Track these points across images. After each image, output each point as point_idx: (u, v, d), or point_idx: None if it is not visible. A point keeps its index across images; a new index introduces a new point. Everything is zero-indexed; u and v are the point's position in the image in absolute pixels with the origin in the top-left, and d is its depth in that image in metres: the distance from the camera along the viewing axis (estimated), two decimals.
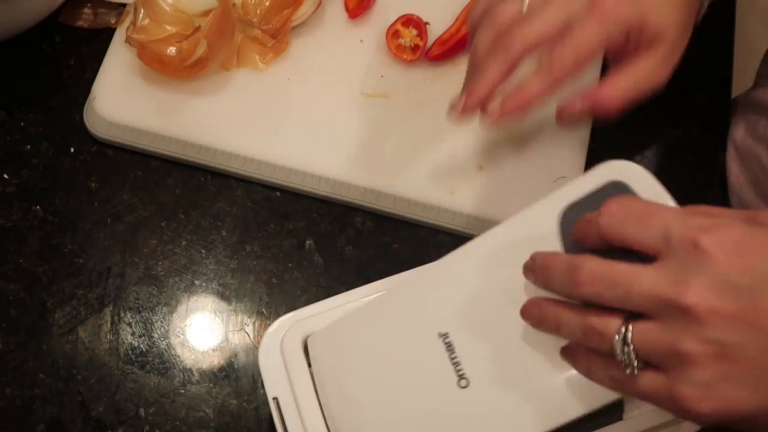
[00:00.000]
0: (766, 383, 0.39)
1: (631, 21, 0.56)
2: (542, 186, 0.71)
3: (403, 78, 0.74)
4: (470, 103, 0.57)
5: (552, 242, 0.46)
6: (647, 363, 0.41)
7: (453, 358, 0.48)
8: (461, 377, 0.48)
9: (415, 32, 0.74)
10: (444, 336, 0.48)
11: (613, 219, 0.42)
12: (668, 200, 0.46)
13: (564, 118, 0.59)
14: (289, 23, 0.72)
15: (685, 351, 0.39)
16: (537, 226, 0.47)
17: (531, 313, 0.45)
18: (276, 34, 0.71)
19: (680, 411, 0.40)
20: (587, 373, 0.44)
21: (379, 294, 0.55)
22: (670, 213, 0.42)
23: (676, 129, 0.75)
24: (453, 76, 0.74)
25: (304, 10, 0.73)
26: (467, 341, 0.48)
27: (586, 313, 0.42)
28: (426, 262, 0.59)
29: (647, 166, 0.71)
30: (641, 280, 0.40)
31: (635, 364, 0.41)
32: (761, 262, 0.39)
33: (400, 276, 0.58)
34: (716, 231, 0.39)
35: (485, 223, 0.70)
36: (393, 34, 0.74)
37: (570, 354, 0.45)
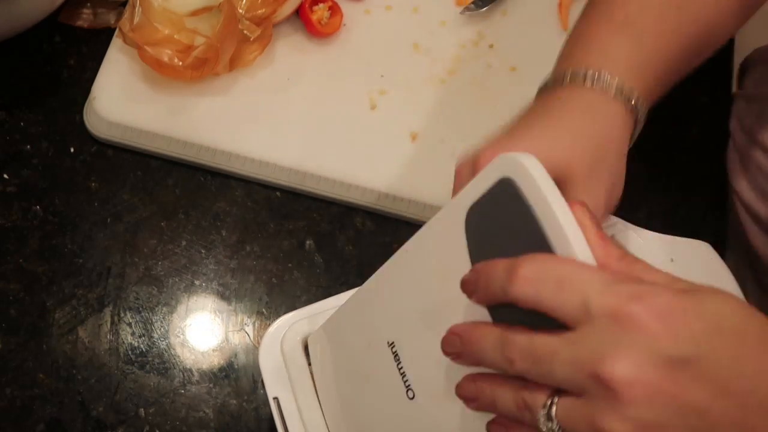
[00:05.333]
0: None
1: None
2: None
3: (403, 78, 0.74)
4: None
5: (460, 252, 0.42)
6: None
7: (400, 368, 0.46)
8: (408, 388, 0.46)
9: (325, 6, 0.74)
10: (392, 345, 0.46)
11: (527, 286, 0.38)
12: (556, 195, 0.39)
13: None
14: (274, 14, 0.71)
15: (606, 430, 0.36)
16: (446, 235, 0.43)
17: (466, 391, 0.41)
18: (261, 22, 0.71)
19: None
20: None
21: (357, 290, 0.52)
22: (589, 277, 0.37)
23: (676, 128, 0.75)
24: (452, 78, 0.74)
25: (287, 8, 0.72)
26: (409, 351, 0.46)
27: (519, 387, 0.39)
28: None
29: (647, 166, 0.72)
30: (561, 355, 0.37)
31: None
32: (690, 332, 0.35)
33: None
34: (640, 300, 0.36)
35: None
36: (308, 13, 0.73)
37: (499, 428, 0.41)
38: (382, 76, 0.74)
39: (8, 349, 0.64)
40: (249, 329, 0.66)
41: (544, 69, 0.76)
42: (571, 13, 0.77)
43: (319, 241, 0.69)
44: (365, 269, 0.69)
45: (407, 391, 0.46)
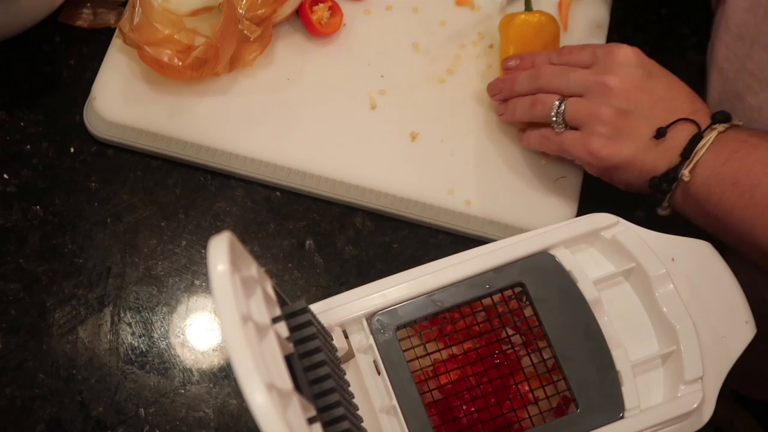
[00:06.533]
0: (638, 139, 0.62)
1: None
2: (542, 186, 0.71)
3: (403, 78, 0.74)
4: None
5: None
6: (570, 126, 0.65)
7: None
8: None
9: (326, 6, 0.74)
10: None
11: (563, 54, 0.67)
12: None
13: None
14: (274, 14, 0.71)
15: (599, 112, 0.63)
16: None
17: (494, 88, 0.71)
18: (261, 22, 0.71)
19: (588, 155, 0.64)
20: (526, 139, 0.70)
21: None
22: (596, 45, 0.66)
23: None
24: (452, 78, 0.74)
25: (287, 7, 0.72)
26: None
27: (534, 96, 0.67)
28: (426, 262, 0.59)
29: None
30: (577, 73, 0.65)
31: (562, 124, 0.65)
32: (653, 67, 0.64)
33: (401, 276, 0.58)
34: (623, 47, 0.64)
35: (485, 223, 0.70)
36: (308, 13, 0.73)
37: (522, 137, 0.71)
38: (382, 76, 0.74)
39: (8, 349, 0.65)
40: None
41: None
42: (571, 13, 0.77)
43: (319, 241, 0.69)
44: (365, 269, 0.69)
45: None
